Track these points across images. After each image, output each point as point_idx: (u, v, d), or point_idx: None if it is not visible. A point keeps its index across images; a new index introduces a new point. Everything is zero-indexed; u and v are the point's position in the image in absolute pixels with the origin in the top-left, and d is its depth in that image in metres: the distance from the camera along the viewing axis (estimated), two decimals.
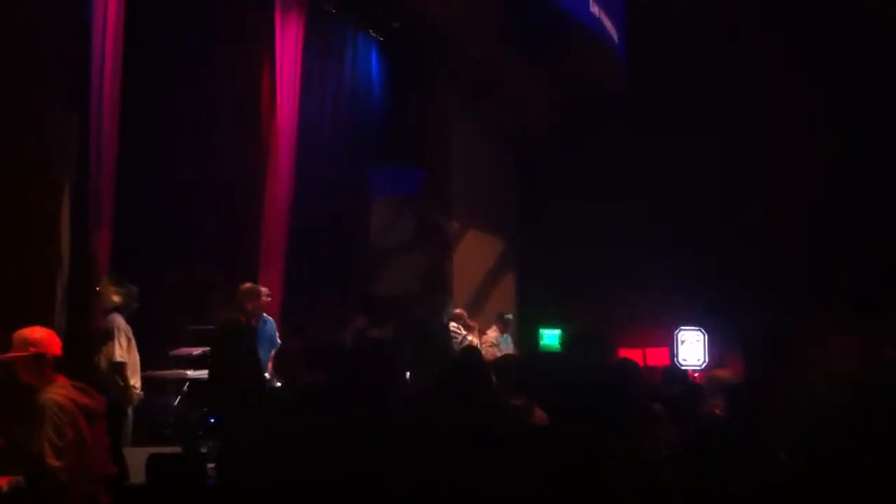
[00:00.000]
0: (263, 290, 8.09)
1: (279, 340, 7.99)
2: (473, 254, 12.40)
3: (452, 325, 9.33)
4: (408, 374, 7.81)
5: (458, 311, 9.86)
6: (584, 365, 4.81)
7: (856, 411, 3.83)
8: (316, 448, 3.72)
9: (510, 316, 10.84)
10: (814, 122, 11.91)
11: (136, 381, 6.96)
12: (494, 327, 10.57)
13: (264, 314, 8.08)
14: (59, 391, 3.99)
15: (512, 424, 4.18)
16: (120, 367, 6.77)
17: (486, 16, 10.61)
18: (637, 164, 12.46)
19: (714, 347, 11.35)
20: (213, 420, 6.26)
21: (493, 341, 10.22)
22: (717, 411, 4.99)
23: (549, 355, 11.83)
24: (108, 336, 6.79)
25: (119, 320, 6.87)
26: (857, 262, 11.29)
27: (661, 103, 12.46)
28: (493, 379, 5.53)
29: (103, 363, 6.77)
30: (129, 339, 6.88)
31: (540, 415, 4.63)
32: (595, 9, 10.89)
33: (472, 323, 9.97)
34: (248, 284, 7.92)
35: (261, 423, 4.32)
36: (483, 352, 8.44)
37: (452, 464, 3.55)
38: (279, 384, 6.27)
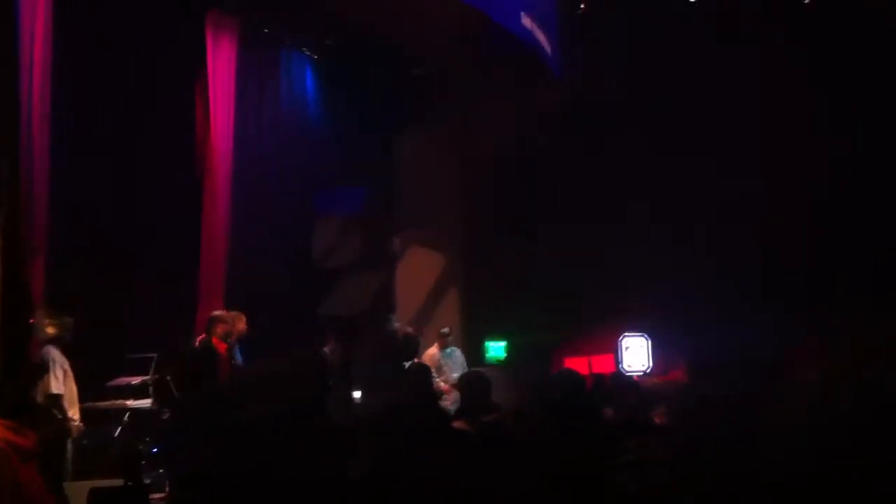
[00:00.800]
0: (241, 317, 8.06)
1: None
2: (417, 268, 12.38)
3: None
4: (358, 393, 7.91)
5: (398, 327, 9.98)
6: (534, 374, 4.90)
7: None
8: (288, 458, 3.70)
9: (447, 329, 10.79)
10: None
11: (74, 412, 6.86)
12: (435, 344, 10.57)
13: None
14: None
15: (490, 437, 4.28)
16: (57, 400, 6.64)
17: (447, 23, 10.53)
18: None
19: (659, 355, 11.42)
20: (155, 450, 6.17)
21: (434, 359, 10.25)
22: (658, 420, 5.00)
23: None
24: (43, 369, 6.66)
25: (54, 352, 6.76)
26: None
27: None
28: (460, 395, 5.65)
29: (39, 396, 6.63)
30: (65, 371, 6.78)
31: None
32: (527, 21, 10.97)
33: None
34: (217, 312, 7.96)
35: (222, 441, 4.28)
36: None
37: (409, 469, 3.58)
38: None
